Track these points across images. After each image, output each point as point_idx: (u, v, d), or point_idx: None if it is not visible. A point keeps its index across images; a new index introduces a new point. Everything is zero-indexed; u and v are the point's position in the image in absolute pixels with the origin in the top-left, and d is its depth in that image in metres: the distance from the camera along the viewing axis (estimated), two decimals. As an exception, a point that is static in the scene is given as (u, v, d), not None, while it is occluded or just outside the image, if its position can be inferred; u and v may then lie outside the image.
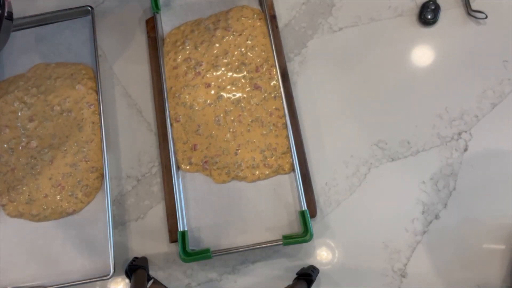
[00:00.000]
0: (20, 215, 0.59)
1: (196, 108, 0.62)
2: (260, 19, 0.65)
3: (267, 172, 0.59)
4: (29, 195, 0.59)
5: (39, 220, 0.59)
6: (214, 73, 0.63)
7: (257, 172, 0.59)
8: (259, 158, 0.60)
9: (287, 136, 0.60)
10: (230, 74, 0.63)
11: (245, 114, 0.61)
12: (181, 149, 0.61)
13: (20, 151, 0.61)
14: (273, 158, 0.60)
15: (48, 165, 0.60)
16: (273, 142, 0.60)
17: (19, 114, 0.63)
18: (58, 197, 0.59)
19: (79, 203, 0.59)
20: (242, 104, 0.62)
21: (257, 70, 0.63)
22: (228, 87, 0.63)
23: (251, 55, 0.64)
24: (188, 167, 0.60)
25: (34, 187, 0.59)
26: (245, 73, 0.63)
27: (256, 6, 0.67)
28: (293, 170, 0.58)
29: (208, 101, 0.62)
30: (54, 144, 0.61)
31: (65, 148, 0.61)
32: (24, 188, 0.59)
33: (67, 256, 0.58)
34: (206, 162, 0.60)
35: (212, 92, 0.62)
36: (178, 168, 0.60)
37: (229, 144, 0.60)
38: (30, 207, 0.59)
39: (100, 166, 0.60)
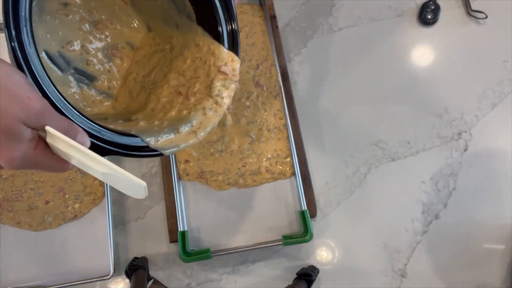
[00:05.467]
0: (17, 224, 0.58)
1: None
2: (260, 16, 0.65)
3: (268, 177, 0.59)
4: (28, 204, 0.59)
5: (44, 229, 0.58)
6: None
7: (258, 178, 0.59)
8: (264, 166, 0.59)
9: (288, 137, 0.60)
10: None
11: (251, 124, 0.61)
12: (182, 159, 0.60)
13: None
14: (277, 164, 0.59)
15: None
16: (277, 148, 0.60)
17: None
18: (61, 204, 0.58)
19: (83, 207, 0.59)
20: (248, 103, 0.62)
21: (257, 68, 0.63)
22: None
23: (251, 52, 0.64)
24: (187, 178, 0.60)
25: (36, 194, 0.59)
26: (246, 69, 0.63)
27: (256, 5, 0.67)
28: (294, 172, 0.58)
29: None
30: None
31: None
32: (24, 196, 0.58)
33: (67, 256, 0.57)
34: (202, 172, 0.60)
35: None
36: (177, 167, 0.60)
37: (237, 157, 0.60)
38: (31, 215, 0.58)
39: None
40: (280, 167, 0.59)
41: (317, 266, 0.57)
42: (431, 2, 0.65)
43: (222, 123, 0.61)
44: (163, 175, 0.60)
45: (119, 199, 0.60)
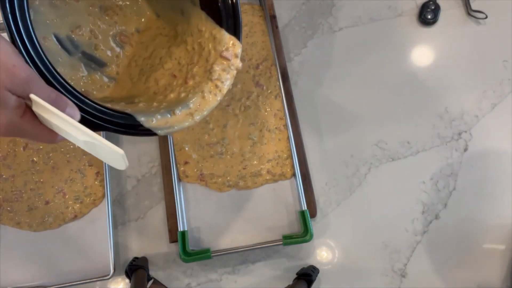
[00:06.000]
0: (17, 224, 0.58)
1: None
2: (260, 16, 0.65)
3: (268, 178, 0.59)
4: (28, 205, 0.58)
5: (44, 229, 0.58)
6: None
7: (259, 180, 0.59)
8: (265, 169, 0.59)
9: (288, 138, 0.60)
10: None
11: (252, 125, 0.61)
12: (182, 161, 0.60)
13: (22, 154, 0.60)
14: (278, 165, 0.59)
15: (50, 171, 0.60)
16: (278, 149, 0.60)
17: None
18: (61, 204, 0.58)
19: (83, 208, 0.59)
20: (248, 103, 0.62)
21: (257, 67, 0.63)
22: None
23: (251, 51, 0.63)
24: (187, 179, 0.60)
25: (36, 195, 0.58)
26: (246, 68, 0.63)
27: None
28: (294, 173, 0.58)
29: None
30: (56, 147, 0.60)
31: (67, 154, 0.60)
32: (24, 196, 0.58)
33: (67, 256, 0.57)
34: (201, 174, 0.59)
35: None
36: (177, 168, 0.60)
37: (237, 160, 0.60)
38: (31, 215, 0.58)
39: (103, 171, 0.60)
40: (281, 169, 0.59)
41: (317, 266, 0.57)
42: (431, 2, 0.65)
43: (223, 125, 0.61)
44: (163, 175, 0.60)
45: (119, 199, 0.60)
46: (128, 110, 0.42)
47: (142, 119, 0.42)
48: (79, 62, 0.51)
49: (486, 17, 0.65)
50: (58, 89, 0.36)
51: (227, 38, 0.48)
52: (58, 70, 0.38)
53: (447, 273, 0.57)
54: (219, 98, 0.47)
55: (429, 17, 0.65)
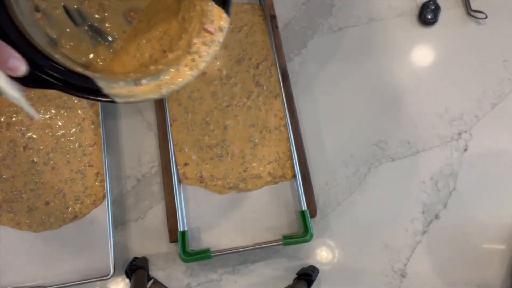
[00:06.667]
0: (17, 225, 0.58)
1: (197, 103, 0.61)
2: (260, 16, 0.65)
3: (269, 180, 0.59)
4: (28, 205, 0.58)
5: (44, 230, 0.58)
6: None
7: (259, 182, 0.59)
8: (266, 171, 0.59)
9: (288, 138, 0.60)
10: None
11: (252, 127, 0.61)
12: (181, 162, 0.60)
13: (22, 154, 0.60)
14: (279, 167, 0.59)
15: (50, 172, 0.59)
16: (279, 150, 0.60)
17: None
18: (62, 205, 0.58)
19: (83, 208, 0.59)
20: (249, 103, 0.62)
21: (257, 67, 0.63)
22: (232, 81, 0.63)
23: (251, 51, 0.64)
24: (187, 181, 0.60)
25: (35, 195, 0.58)
26: (247, 67, 0.63)
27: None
28: (294, 174, 0.58)
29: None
30: (56, 148, 0.60)
31: (68, 154, 0.60)
32: (24, 196, 0.58)
33: (67, 256, 0.57)
34: (201, 176, 0.59)
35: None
36: (177, 169, 0.60)
37: (238, 162, 0.60)
38: (31, 216, 0.58)
39: (103, 171, 0.60)
40: (282, 170, 0.59)
41: (317, 266, 0.57)
42: (431, 2, 0.65)
43: (223, 126, 0.61)
44: (163, 176, 0.60)
45: (119, 199, 0.60)
46: (89, 74, 0.40)
47: (101, 83, 0.40)
48: (85, 34, 0.51)
49: (486, 17, 0.65)
50: (11, 41, 0.36)
51: (215, 10, 0.45)
52: (64, 40, 0.37)
53: (447, 273, 0.57)
54: (194, 74, 0.43)
55: (429, 17, 0.65)
